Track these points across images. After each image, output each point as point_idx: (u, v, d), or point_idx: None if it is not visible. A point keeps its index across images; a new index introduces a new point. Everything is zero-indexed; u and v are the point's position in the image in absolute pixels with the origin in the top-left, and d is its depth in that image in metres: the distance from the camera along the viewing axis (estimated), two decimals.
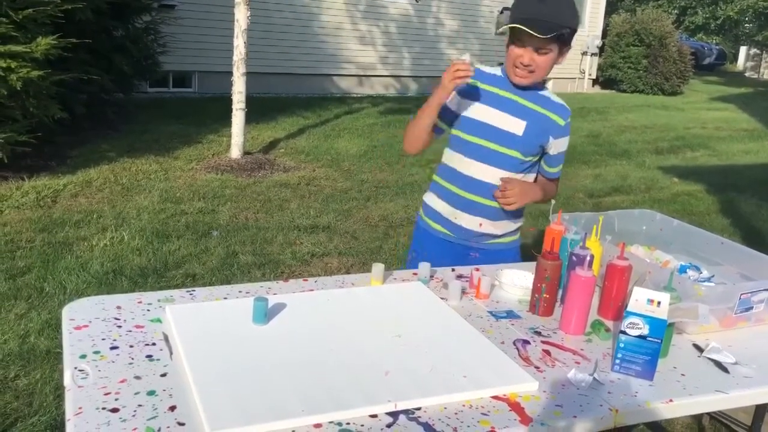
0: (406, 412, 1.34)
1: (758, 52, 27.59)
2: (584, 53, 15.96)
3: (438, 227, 2.27)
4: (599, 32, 16.24)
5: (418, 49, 12.89)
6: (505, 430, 1.31)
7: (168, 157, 6.57)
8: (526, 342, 1.68)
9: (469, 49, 12.66)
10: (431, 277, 2.02)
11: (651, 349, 1.53)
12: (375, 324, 1.68)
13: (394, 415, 1.33)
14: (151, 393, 1.33)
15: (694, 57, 17.73)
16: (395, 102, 11.33)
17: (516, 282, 1.99)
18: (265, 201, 5.53)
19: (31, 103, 5.39)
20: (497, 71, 2.16)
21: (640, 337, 1.53)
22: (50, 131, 5.89)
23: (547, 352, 1.63)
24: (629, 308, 1.54)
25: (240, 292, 1.84)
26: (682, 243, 2.28)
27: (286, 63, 11.27)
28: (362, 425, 1.29)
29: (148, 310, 1.69)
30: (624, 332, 1.55)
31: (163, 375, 1.40)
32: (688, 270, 2.09)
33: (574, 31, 2.01)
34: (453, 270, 2.10)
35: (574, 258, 1.80)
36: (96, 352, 1.47)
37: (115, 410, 1.27)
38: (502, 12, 13.43)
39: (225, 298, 1.78)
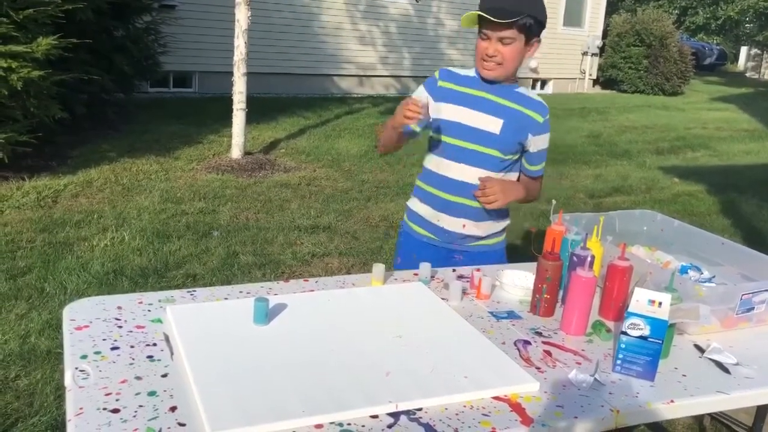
0: (407, 412, 1.34)
1: (759, 52, 27.61)
2: (585, 53, 15.97)
3: (422, 231, 2.28)
4: (600, 32, 16.24)
5: (418, 49, 12.90)
6: (506, 430, 1.31)
7: (168, 158, 6.57)
8: (527, 342, 1.68)
9: (468, 49, 12.67)
10: (432, 277, 2.02)
11: (652, 350, 1.53)
12: (376, 324, 1.68)
13: (395, 415, 1.33)
14: (151, 393, 1.33)
15: (695, 57, 17.74)
16: (396, 102, 11.21)
17: (517, 282, 1.99)
18: (266, 201, 5.53)
19: (32, 103, 5.39)
20: (470, 72, 2.18)
21: (641, 337, 1.53)
22: (51, 131, 5.89)
23: (548, 353, 1.63)
24: (630, 309, 1.54)
25: (241, 292, 1.84)
26: (683, 243, 2.28)
27: (286, 63, 11.27)
28: (363, 426, 1.29)
29: (149, 311, 1.69)
30: (625, 333, 1.54)
31: (164, 375, 1.40)
32: (689, 270, 2.09)
33: (539, 22, 2.03)
34: (454, 270, 2.10)
35: (575, 258, 1.80)
36: (97, 353, 1.47)
37: (115, 411, 1.27)
38: None
39: (226, 299, 1.78)
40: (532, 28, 2.02)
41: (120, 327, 1.60)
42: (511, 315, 1.83)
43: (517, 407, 1.39)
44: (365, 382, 1.41)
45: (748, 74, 27.04)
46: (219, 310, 1.70)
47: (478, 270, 2.06)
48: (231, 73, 6.62)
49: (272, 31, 10.82)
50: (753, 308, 1.83)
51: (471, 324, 1.72)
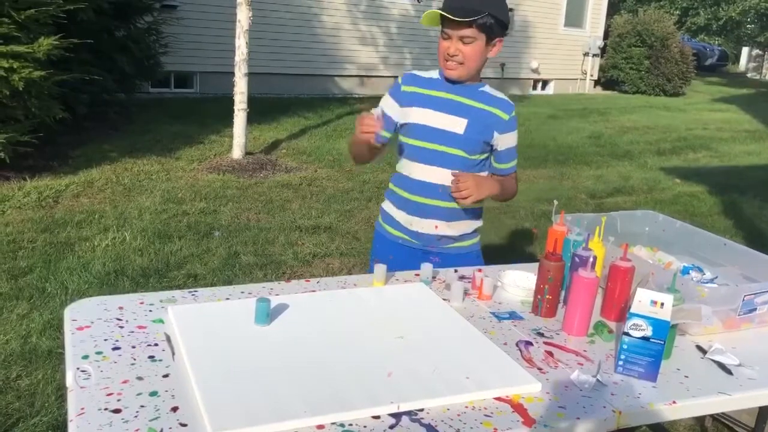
0: (408, 413, 1.34)
1: (760, 53, 27.61)
2: (586, 54, 15.97)
3: (396, 233, 2.28)
4: (601, 33, 16.24)
5: (418, 49, 12.89)
6: (507, 431, 1.31)
7: (170, 158, 6.57)
8: (528, 343, 1.68)
9: None
10: (433, 278, 2.02)
11: (654, 351, 1.53)
12: (377, 325, 1.68)
13: (396, 416, 1.32)
14: (153, 394, 1.33)
15: (696, 58, 17.73)
16: None
17: (519, 283, 1.99)
18: (267, 201, 5.53)
19: (33, 104, 5.40)
20: (434, 74, 2.19)
21: (643, 338, 1.53)
22: (52, 131, 5.90)
23: (550, 354, 1.63)
24: (632, 309, 1.54)
25: (242, 292, 1.84)
26: (685, 244, 2.28)
27: (287, 63, 11.28)
28: (365, 426, 1.29)
29: (150, 311, 1.69)
30: (627, 333, 1.54)
31: (166, 376, 1.40)
32: (691, 271, 2.08)
33: (500, 21, 2.04)
34: (456, 271, 2.09)
35: (576, 259, 1.80)
36: (98, 353, 1.47)
37: (117, 411, 1.27)
38: None
39: (227, 299, 1.78)
40: (493, 27, 2.03)
41: (121, 327, 1.59)
42: (513, 315, 1.83)
43: (519, 408, 1.39)
44: (367, 382, 1.41)
45: (749, 75, 27.03)
46: (220, 310, 1.70)
47: (480, 270, 2.06)
48: (232, 74, 6.62)
49: (274, 31, 10.82)
50: (755, 309, 1.82)
51: (473, 325, 1.71)
